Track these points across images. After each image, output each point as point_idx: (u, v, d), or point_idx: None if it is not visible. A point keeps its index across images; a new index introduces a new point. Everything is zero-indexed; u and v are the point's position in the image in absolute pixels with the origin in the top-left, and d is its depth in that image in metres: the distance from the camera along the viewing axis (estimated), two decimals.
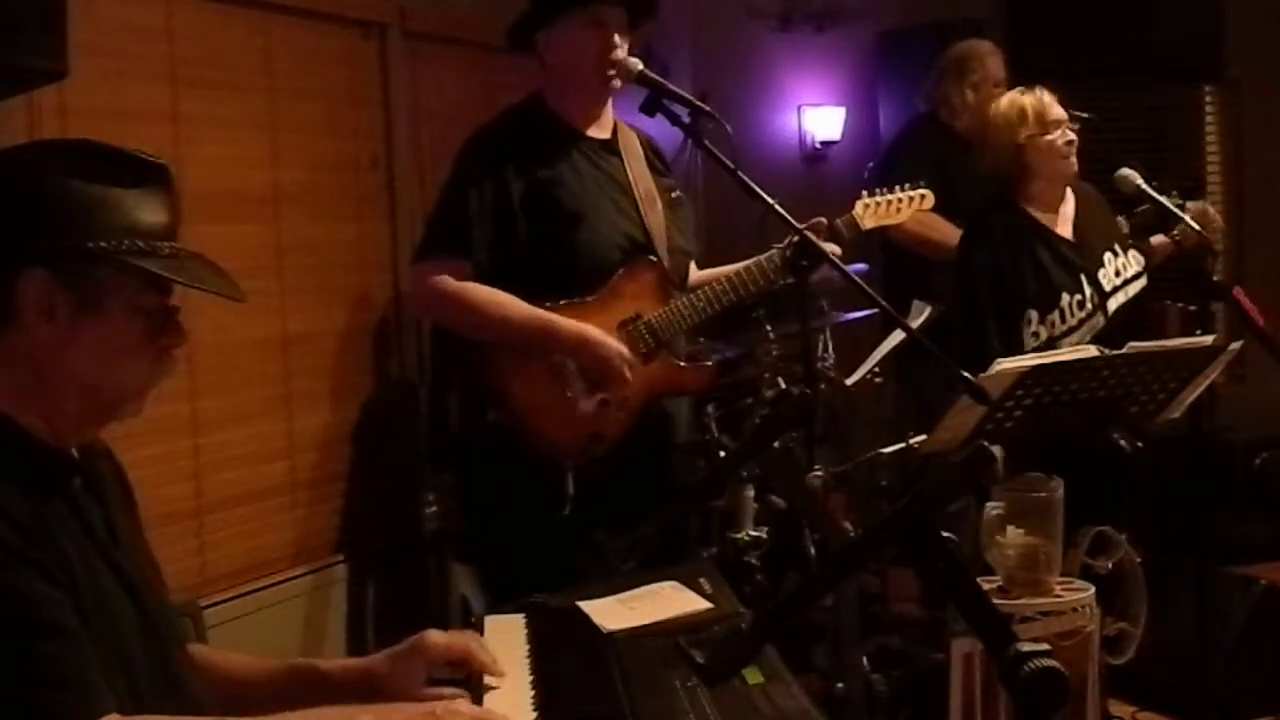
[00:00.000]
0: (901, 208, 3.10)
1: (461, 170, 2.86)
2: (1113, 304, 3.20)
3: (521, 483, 2.82)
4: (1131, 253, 3.29)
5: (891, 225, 4.05)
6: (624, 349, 2.81)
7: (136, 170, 1.53)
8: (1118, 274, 3.25)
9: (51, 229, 1.45)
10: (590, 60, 2.84)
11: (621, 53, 2.83)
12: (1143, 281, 3.27)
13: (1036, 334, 3.15)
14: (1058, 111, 3.25)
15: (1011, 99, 3.30)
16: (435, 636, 1.73)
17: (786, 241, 2.84)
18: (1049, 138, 3.22)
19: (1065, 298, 3.17)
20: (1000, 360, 2.61)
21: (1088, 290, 3.19)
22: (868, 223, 3.02)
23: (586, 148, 2.92)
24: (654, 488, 2.85)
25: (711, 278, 2.98)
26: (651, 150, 3.06)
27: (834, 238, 2.91)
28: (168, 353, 1.55)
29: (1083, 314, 3.18)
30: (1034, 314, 3.16)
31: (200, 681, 1.69)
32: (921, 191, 3.11)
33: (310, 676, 1.76)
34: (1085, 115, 3.82)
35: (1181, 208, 3.25)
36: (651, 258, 2.90)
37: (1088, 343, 3.06)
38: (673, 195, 3.03)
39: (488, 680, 1.71)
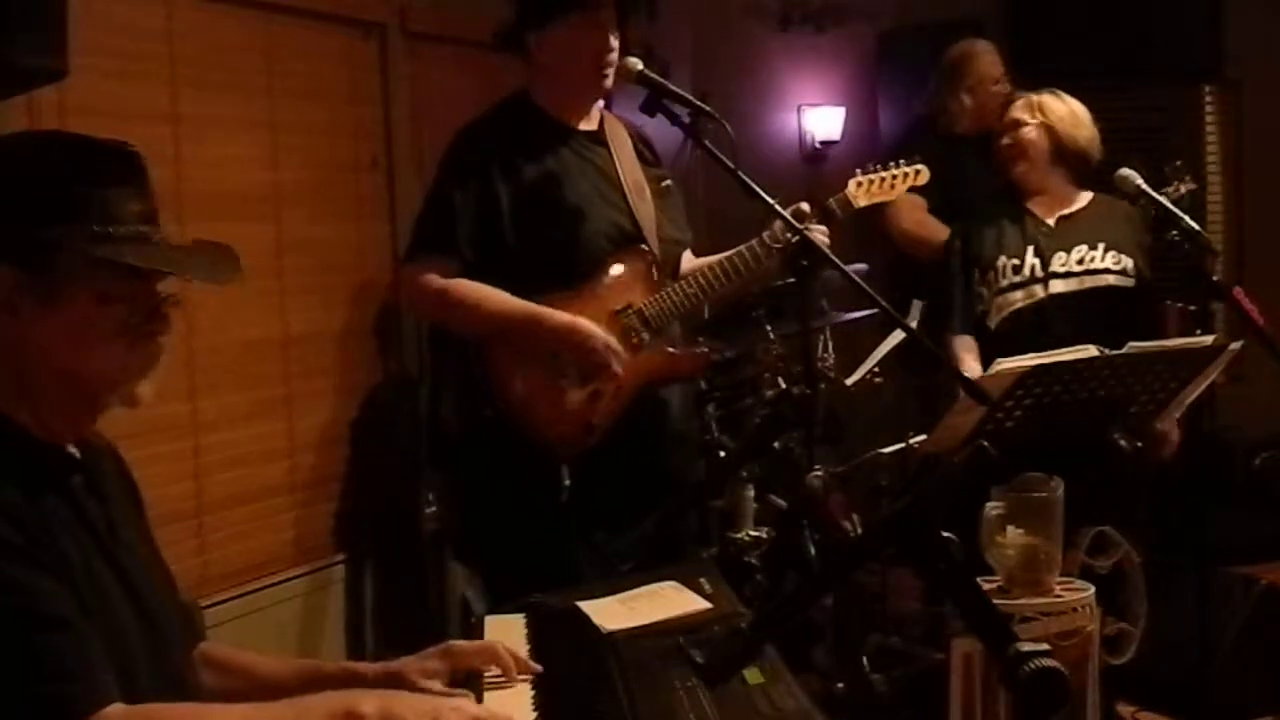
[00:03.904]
0: (896, 184, 3.08)
1: (447, 169, 2.88)
2: (1059, 285, 3.25)
3: (518, 477, 2.83)
4: (1119, 255, 3.28)
5: (890, 225, 4.06)
6: (612, 340, 2.81)
7: (103, 158, 1.51)
8: (1080, 262, 3.28)
9: (12, 221, 1.44)
10: (584, 62, 2.85)
11: (614, 55, 2.84)
12: (1111, 280, 3.26)
13: (980, 294, 3.31)
14: (1013, 114, 3.39)
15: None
16: (462, 644, 1.76)
17: (770, 230, 2.89)
18: (1000, 140, 3.41)
19: (1002, 260, 3.30)
20: (1000, 360, 2.62)
21: (1030, 260, 3.28)
22: (861, 200, 3.02)
23: (573, 141, 2.93)
24: (651, 476, 2.88)
25: (703, 265, 3.00)
26: (641, 141, 3.07)
27: (825, 218, 2.93)
28: (151, 339, 1.52)
29: (1017, 278, 3.28)
30: (977, 273, 3.34)
31: (206, 679, 1.69)
32: (917, 167, 3.11)
33: (339, 676, 1.76)
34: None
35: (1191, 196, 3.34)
36: (642, 247, 2.91)
37: (1022, 308, 3.24)
38: (663, 185, 3.04)
39: (487, 678, 1.72)
